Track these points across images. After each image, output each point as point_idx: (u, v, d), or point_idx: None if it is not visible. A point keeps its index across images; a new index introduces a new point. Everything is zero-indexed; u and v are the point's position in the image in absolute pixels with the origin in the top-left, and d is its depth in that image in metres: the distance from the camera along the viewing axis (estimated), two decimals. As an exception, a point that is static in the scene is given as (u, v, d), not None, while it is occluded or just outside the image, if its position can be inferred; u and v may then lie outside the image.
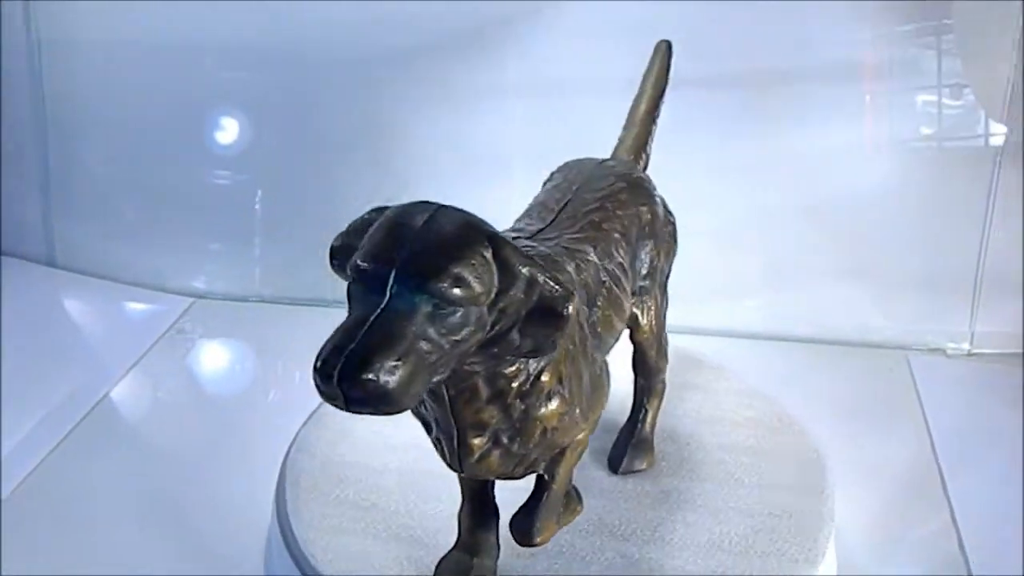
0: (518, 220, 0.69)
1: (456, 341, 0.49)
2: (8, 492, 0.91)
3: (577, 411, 0.60)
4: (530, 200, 0.72)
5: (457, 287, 0.48)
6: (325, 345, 0.47)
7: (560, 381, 0.58)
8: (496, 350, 0.53)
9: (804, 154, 1.16)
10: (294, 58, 1.22)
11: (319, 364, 0.46)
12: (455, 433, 0.57)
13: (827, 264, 1.17)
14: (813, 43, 1.16)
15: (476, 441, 0.57)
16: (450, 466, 0.60)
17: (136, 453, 0.99)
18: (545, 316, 0.52)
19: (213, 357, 1.20)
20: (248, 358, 1.19)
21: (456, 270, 0.49)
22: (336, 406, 0.47)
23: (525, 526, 0.64)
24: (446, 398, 0.55)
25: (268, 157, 1.27)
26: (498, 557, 0.69)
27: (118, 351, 1.15)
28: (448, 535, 0.69)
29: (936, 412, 1.04)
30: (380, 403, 0.46)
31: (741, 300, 1.18)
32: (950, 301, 1.18)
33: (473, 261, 0.49)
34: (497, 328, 0.52)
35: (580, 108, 1.11)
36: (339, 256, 0.53)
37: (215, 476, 0.94)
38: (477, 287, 0.49)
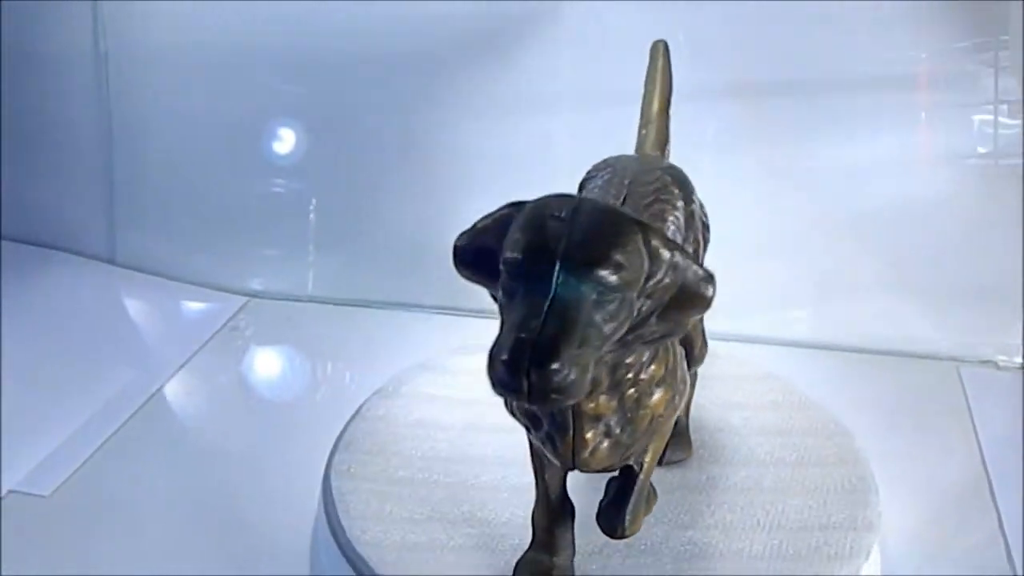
0: None
1: (614, 328, 0.50)
2: (52, 489, 0.91)
3: (676, 398, 0.61)
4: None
5: (618, 273, 0.49)
6: (502, 339, 0.48)
7: (667, 368, 0.59)
8: (630, 337, 0.53)
9: (854, 165, 1.15)
10: (345, 67, 1.25)
11: (505, 357, 0.47)
12: (571, 427, 0.57)
13: (876, 275, 1.16)
14: (866, 53, 1.15)
15: (590, 434, 0.57)
16: (561, 463, 0.60)
17: (183, 450, 1.00)
18: (687, 300, 0.53)
19: (265, 354, 1.21)
20: (299, 356, 1.20)
21: (617, 257, 0.49)
22: (515, 399, 0.48)
23: (617, 520, 0.64)
24: None
25: (322, 166, 1.29)
26: (574, 555, 0.69)
27: (172, 348, 1.17)
28: (507, 518, 0.71)
29: (986, 424, 1.03)
30: (564, 393, 0.47)
31: (789, 310, 1.17)
32: (1002, 314, 1.16)
33: (629, 247, 0.50)
34: (640, 315, 0.52)
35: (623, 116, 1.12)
36: (468, 254, 0.54)
37: (262, 473, 0.94)
38: (634, 272, 0.50)
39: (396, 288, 1.27)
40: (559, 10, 1.17)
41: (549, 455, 0.60)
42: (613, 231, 0.50)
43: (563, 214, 0.50)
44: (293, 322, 1.24)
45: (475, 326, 1.08)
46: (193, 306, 1.28)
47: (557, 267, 0.48)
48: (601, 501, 0.66)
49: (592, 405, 0.56)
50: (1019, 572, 0.82)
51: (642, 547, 0.72)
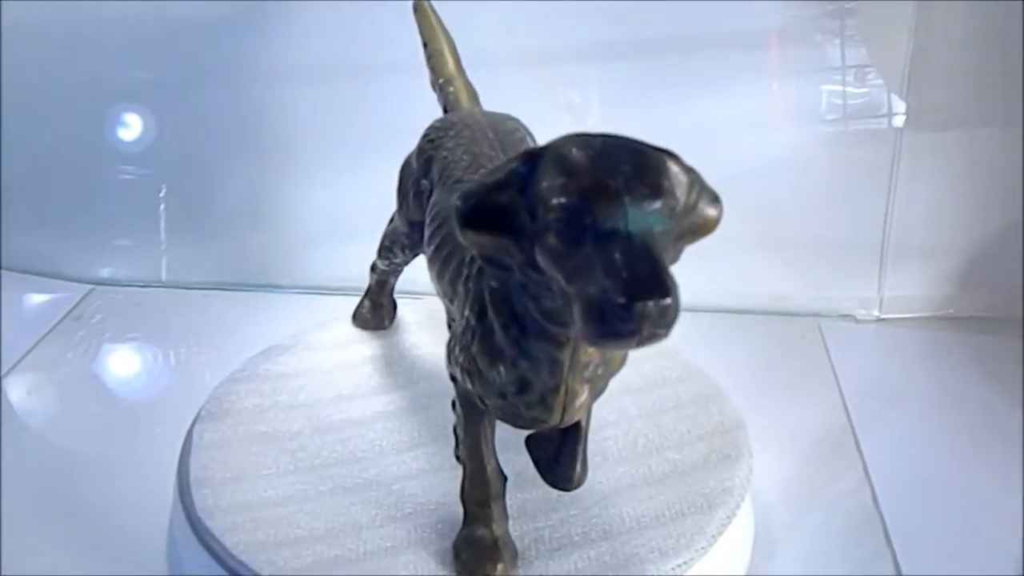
0: (456, 176, 0.69)
1: (668, 257, 0.49)
2: None
3: None
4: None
5: (673, 201, 0.48)
6: (599, 286, 0.44)
7: None
8: None
9: (711, 125, 1.15)
10: (180, 44, 1.21)
11: (622, 300, 0.43)
12: (564, 379, 0.56)
13: (737, 234, 1.12)
14: (722, 17, 1.16)
15: (579, 383, 0.57)
16: (551, 421, 0.59)
17: (25, 447, 0.94)
18: (700, 223, 0.51)
19: (112, 344, 1.14)
20: (150, 344, 1.14)
21: (667, 185, 0.48)
22: (628, 343, 0.45)
23: (570, 472, 0.65)
24: (569, 339, 0.54)
25: (168, 150, 1.25)
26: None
27: (9, 340, 1.10)
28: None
29: (848, 375, 1.05)
30: (673, 324, 0.45)
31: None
32: (859, 269, 1.20)
33: (671, 174, 0.49)
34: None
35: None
36: (479, 216, 0.49)
37: (112, 469, 0.89)
38: (681, 198, 0.49)
39: (251, 269, 1.24)
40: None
41: (536, 417, 0.59)
42: (654, 161, 0.48)
43: (598, 152, 0.48)
44: (143, 309, 1.19)
45: (331, 303, 1.06)
46: (34, 297, 1.21)
47: (626, 203, 0.46)
48: (540, 458, 0.66)
49: (584, 351, 0.55)
50: (885, 516, 0.84)
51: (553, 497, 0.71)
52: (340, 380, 0.85)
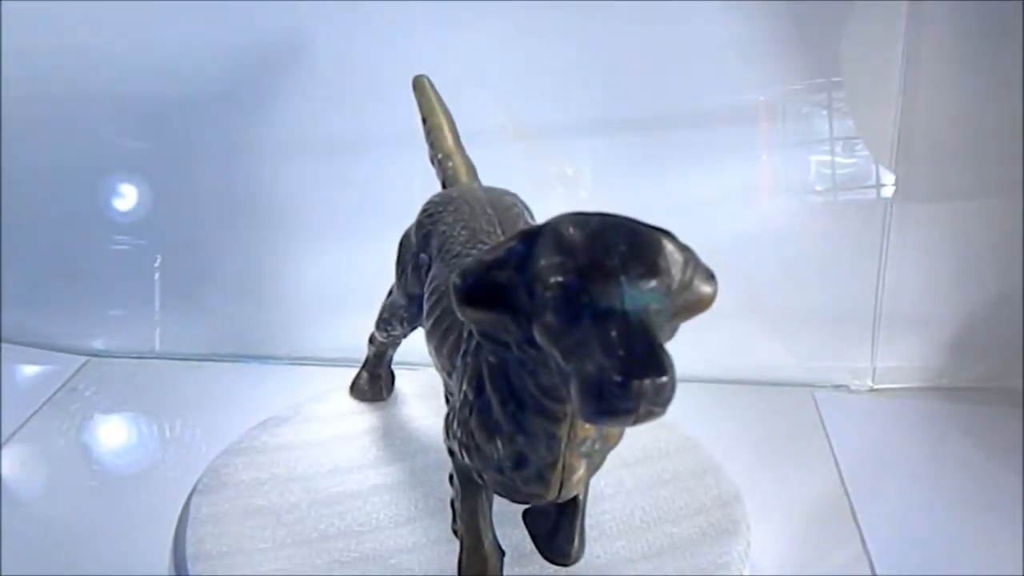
0: (455, 251, 0.70)
1: (663, 335, 0.49)
2: None
3: None
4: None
5: (668, 280, 0.49)
6: (597, 364, 0.45)
7: None
8: None
9: (703, 198, 1.18)
10: (175, 114, 1.23)
11: (619, 379, 0.44)
12: (561, 455, 0.57)
13: (730, 305, 1.13)
14: (707, 93, 1.19)
15: (576, 458, 0.58)
16: (548, 496, 0.59)
17: (19, 521, 0.94)
18: (695, 300, 0.52)
19: (107, 416, 1.15)
20: (144, 416, 1.14)
21: (663, 264, 0.49)
22: (625, 421, 0.45)
23: (569, 546, 0.66)
24: (566, 415, 0.55)
25: (164, 221, 1.27)
26: None
27: (4, 413, 1.10)
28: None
29: (843, 446, 1.06)
30: (670, 401, 0.45)
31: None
32: (852, 339, 1.21)
33: (666, 253, 0.49)
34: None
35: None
36: (478, 293, 0.51)
37: (106, 545, 0.90)
38: (676, 277, 0.50)
39: (247, 340, 1.24)
40: (387, 50, 1.18)
41: (534, 492, 0.59)
42: (649, 240, 0.49)
43: (594, 231, 0.49)
44: (137, 380, 1.20)
45: (328, 375, 1.07)
46: (27, 369, 1.21)
47: (623, 282, 0.47)
48: (538, 532, 0.67)
49: (582, 426, 0.56)
50: (883, 587, 0.84)
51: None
52: (337, 452, 0.85)
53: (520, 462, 0.58)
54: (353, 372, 0.94)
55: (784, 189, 1.23)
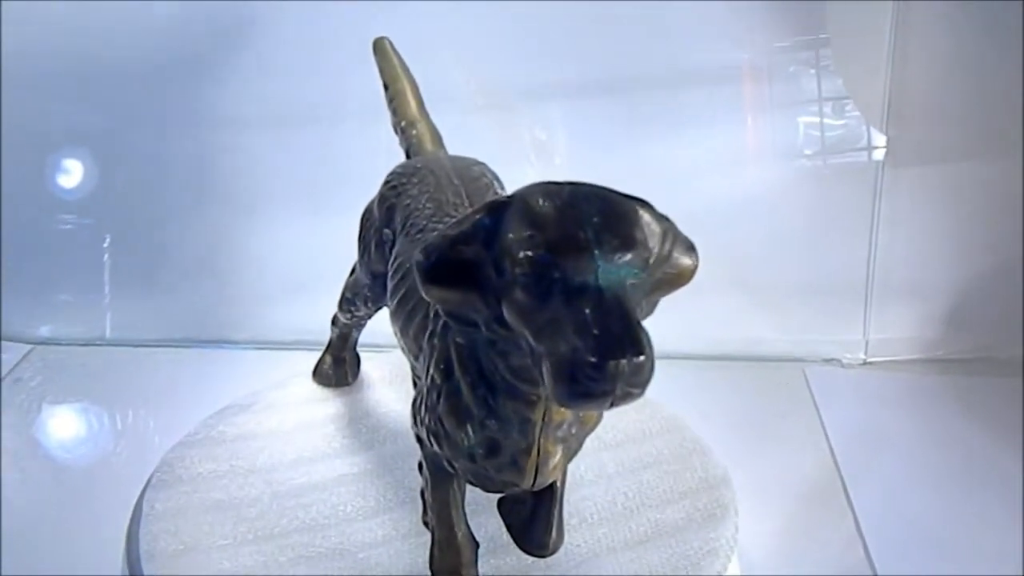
0: (420, 225, 0.69)
1: (640, 312, 0.49)
2: None
3: None
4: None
5: (645, 253, 0.48)
6: (571, 344, 0.44)
7: None
8: None
9: (684, 164, 1.18)
10: (120, 84, 1.21)
11: (594, 359, 0.44)
12: (536, 440, 0.56)
13: (715, 277, 1.14)
14: (691, 53, 1.19)
15: (552, 443, 0.57)
16: (522, 484, 0.59)
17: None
18: (675, 274, 0.51)
19: (55, 407, 1.14)
20: (95, 406, 1.13)
21: (639, 236, 0.48)
22: (602, 404, 0.45)
23: (546, 539, 0.66)
24: (540, 398, 0.54)
25: (112, 199, 1.26)
26: None
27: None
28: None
29: (834, 423, 1.07)
30: (648, 382, 0.45)
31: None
32: (843, 311, 1.22)
33: (643, 225, 0.49)
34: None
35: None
36: (443, 271, 0.50)
37: (57, 543, 0.89)
38: (654, 250, 0.49)
39: (203, 324, 1.24)
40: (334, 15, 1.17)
41: (508, 480, 0.59)
42: (624, 210, 0.49)
43: (565, 201, 0.48)
44: (87, 368, 1.18)
45: (290, 359, 1.04)
46: (-33, 360, 1.20)
47: (597, 256, 0.46)
48: (513, 522, 0.67)
49: (557, 410, 0.55)
50: (877, 570, 0.85)
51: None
52: (301, 441, 0.85)
53: (492, 449, 0.57)
54: (316, 356, 0.94)
55: (770, 154, 1.23)
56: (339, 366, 0.92)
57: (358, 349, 0.93)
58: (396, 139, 0.85)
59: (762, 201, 1.21)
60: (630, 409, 0.75)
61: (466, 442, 0.58)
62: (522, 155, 1.20)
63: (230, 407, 0.90)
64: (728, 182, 1.20)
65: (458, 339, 0.56)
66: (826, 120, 1.22)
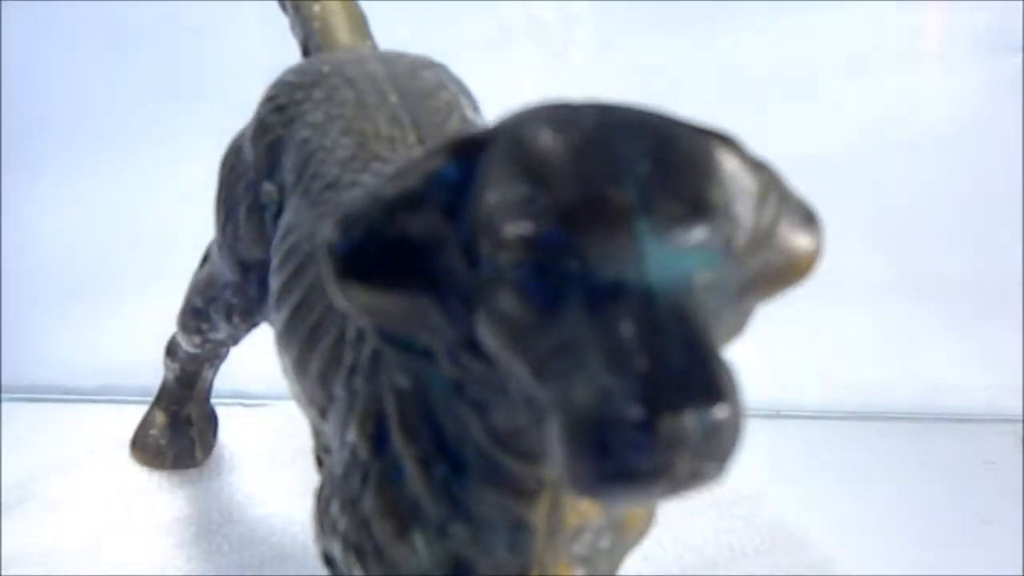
0: (329, 177, 0.72)
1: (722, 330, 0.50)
2: None
3: None
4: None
5: (728, 228, 0.49)
6: (615, 376, 0.45)
7: None
8: None
9: (786, 67, 1.20)
10: None
11: (639, 416, 0.44)
12: (537, 557, 0.58)
13: (868, 271, 1.21)
14: None
15: (565, 568, 0.59)
16: None
17: None
18: (783, 257, 0.53)
19: None
20: None
21: (719, 198, 0.49)
22: (647, 486, 0.45)
23: None
24: (543, 485, 0.56)
25: None
26: None
27: None
28: None
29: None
30: (732, 451, 0.46)
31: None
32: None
33: (724, 176, 0.50)
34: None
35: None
36: (371, 257, 0.51)
37: None
38: (748, 219, 0.51)
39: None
40: None
41: None
42: (691, 152, 0.50)
43: (588, 136, 0.49)
44: None
45: (90, 419, 1.07)
46: None
47: (643, 232, 0.47)
48: None
49: (577, 507, 0.57)
50: None
51: None
52: (114, 563, 0.86)
53: (460, 575, 0.59)
54: (138, 414, 0.96)
55: (949, 45, 1.26)
56: (179, 432, 0.95)
57: (213, 401, 0.95)
58: (284, 22, 0.87)
59: (933, 131, 1.23)
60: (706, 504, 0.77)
61: (413, 563, 0.59)
62: (509, 49, 1.22)
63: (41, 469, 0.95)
64: (886, 93, 1.23)
65: (399, 381, 0.57)
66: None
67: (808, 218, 0.54)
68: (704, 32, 1.19)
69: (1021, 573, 1.01)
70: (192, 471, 0.94)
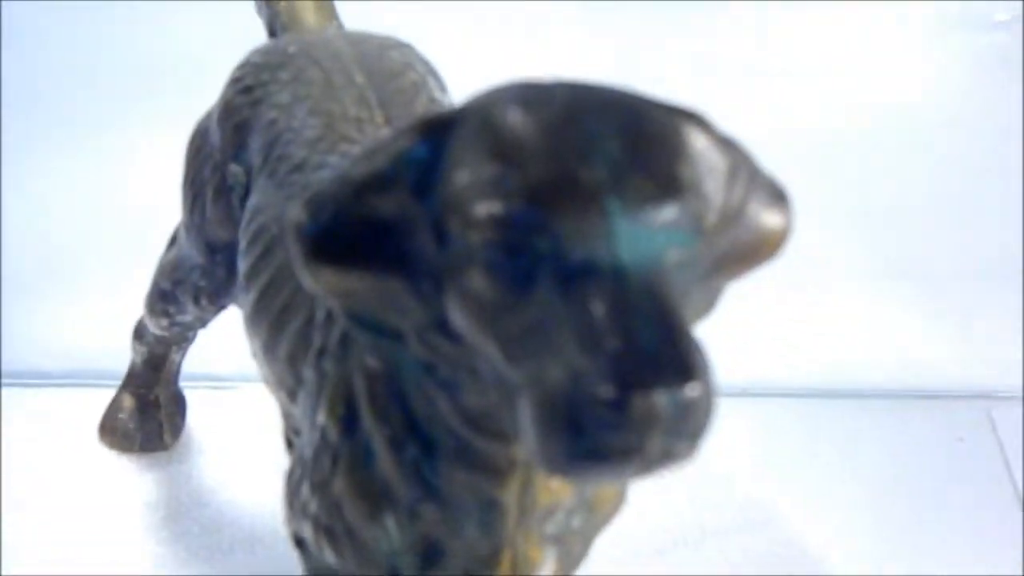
0: (296, 159, 0.71)
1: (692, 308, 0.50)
2: None
3: None
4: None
5: (699, 206, 0.49)
6: (586, 355, 0.45)
7: None
8: None
9: (765, 54, 1.20)
10: None
11: (611, 394, 0.44)
12: (504, 537, 0.58)
13: (839, 255, 1.22)
14: None
15: (536, 548, 0.60)
16: None
17: None
18: (752, 236, 0.53)
19: None
20: None
21: (690, 175, 0.49)
22: (619, 465, 0.45)
23: None
24: (514, 465, 0.56)
25: None
26: None
27: None
28: None
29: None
30: (704, 429, 0.46)
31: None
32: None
33: (695, 154, 0.50)
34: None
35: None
36: (337, 237, 0.51)
37: None
38: (718, 198, 0.50)
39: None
40: None
41: None
42: (662, 131, 0.50)
43: (559, 115, 0.49)
44: None
45: (59, 403, 1.05)
46: None
47: (615, 210, 0.47)
48: None
49: (548, 488, 0.57)
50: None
51: None
52: (84, 547, 0.86)
53: (432, 556, 0.59)
54: (106, 397, 0.95)
55: (930, 26, 1.26)
56: (148, 415, 0.94)
57: (182, 384, 0.95)
58: (252, 8, 0.87)
59: (924, 112, 1.24)
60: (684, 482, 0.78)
61: (384, 544, 0.59)
62: (481, 32, 1.22)
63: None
64: (853, 82, 1.23)
65: (369, 362, 0.58)
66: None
67: (777, 196, 0.54)
68: (682, 13, 1.20)
69: (992, 549, 1.02)
70: (161, 454, 0.94)
